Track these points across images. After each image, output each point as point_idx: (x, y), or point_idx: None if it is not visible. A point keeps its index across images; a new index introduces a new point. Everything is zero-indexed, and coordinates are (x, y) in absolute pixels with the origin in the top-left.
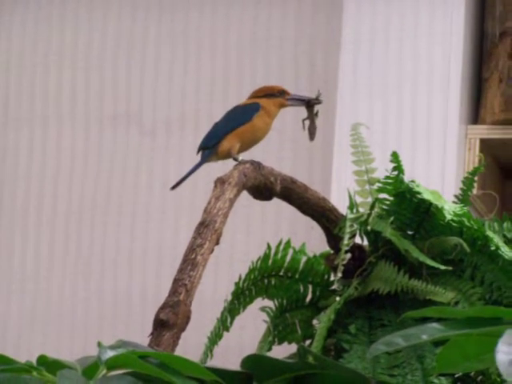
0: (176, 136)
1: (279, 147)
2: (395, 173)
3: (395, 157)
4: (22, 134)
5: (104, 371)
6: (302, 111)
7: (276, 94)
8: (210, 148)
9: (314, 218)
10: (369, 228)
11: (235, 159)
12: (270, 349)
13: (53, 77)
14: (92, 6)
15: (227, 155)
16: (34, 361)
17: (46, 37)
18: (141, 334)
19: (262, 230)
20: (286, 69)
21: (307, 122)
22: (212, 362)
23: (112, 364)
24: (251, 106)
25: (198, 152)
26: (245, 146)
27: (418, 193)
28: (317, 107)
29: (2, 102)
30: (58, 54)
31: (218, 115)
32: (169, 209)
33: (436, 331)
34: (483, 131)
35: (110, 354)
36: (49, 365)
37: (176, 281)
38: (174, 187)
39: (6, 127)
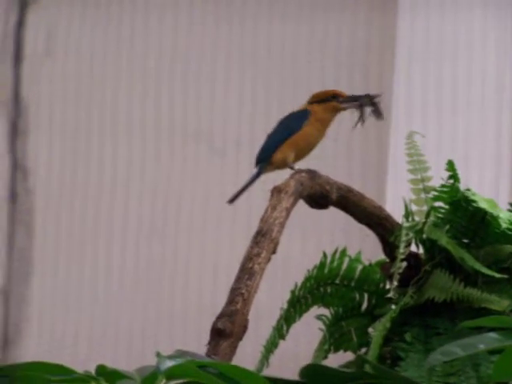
0: (244, 154)
1: (334, 156)
2: (451, 181)
3: (451, 165)
4: (92, 149)
5: (163, 381)
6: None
7: (328, 99)
8: (265, 160)
9: (369, 226)
10: (424, 236)
11: (291, 168)
12: (325, 357)
13: (122, 93)
14: (161, 29)
15: (282, 165)
16: (92, 371)
17: (115, 54)
18: (197, 343)
19: (317, 238)
20: (341, 78)
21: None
22: (267, 371)
23: (171, 374)
24: (300, 114)
25: (256, 165)
26: (299, 154)
27: (474, 201)
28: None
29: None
30: (129, 70)
31: None
32: (225, 218)
33: (493, 340)
34: None
35: (169, 363)
36: (107, 375)
37: (233, 290)
38: (231, 201)
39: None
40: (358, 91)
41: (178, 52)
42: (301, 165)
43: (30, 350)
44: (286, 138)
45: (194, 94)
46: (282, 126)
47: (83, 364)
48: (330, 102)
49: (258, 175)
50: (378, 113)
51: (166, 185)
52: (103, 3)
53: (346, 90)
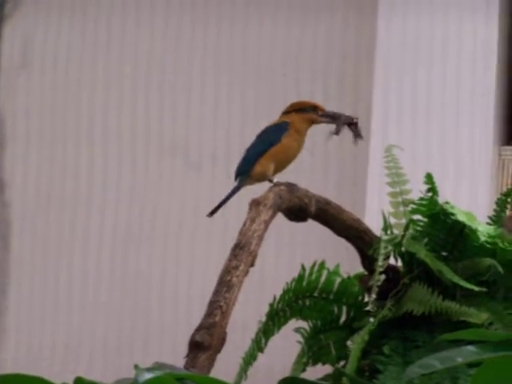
0: (220, 168)
1: (312, 169)
2: (429, 194)
3: (429, 178)
4: (68, 162)
5: None
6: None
7: (307, 109)
8: (245, 173)
9: (348, 239)
10: (403, 249)
11: (270, 181)
12: (304, 370)
13: (98, 105)
14: (137, 41)
15: (262, 178)
16: (69, 382)
17: (91, 66)
18: (173, 354)
19: (291, 250)
20: (317, 90)
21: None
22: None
23: None
24: (279, 126)
25: (236, 179)
26: (279, 167)
27: (452, 214)
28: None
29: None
30: (105, 82)
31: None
32: (201, 231)
33: (471, 354)
34: None
35: (147, 376)
36: None
37: (212, 303)
38: (211, 214)
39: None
40: (334, 99)
41: (154, 62)
42: (279, 178)
43: (7, 361)
44: (265, 151)
45: (169, 108)
46: (261, 139)
47: (59, 375)
48: (308, 113)
49: (237, 188)
50: (357, 134)
51: (141, 197)
52: (78, 16)
53: (322, 97)
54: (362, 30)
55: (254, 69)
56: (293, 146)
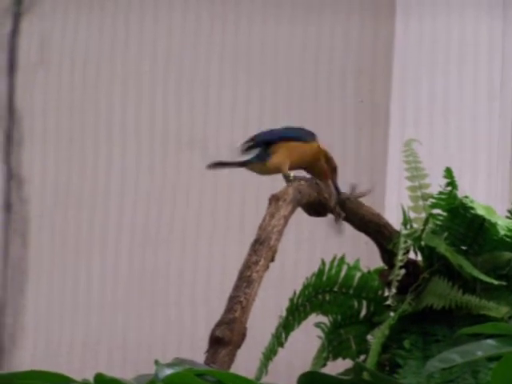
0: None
1: None
2: (449, 188)
3: (449, 172)
4: (87, 159)
5: None
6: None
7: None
8: (262, 151)
9: (368, 233)
10: (423, 243)
11: (287, 178)
12: (324, 364)
13: (116, 102)
14: (156, 37)
15: (276, 168)
16: (87, 379)
17: (109, 63)
18: (192, 351)
19: (312, 246)
20: (334, 90)
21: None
22: (265, 379)
23: (169, 382)
24: (313, 134)
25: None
26: (293, 164)
27: (472, 208)
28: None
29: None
30: (123, 77)
31: None
32: (219, 226)
33: (491, 348)
34: None
35: (168, 371)
36: (106, 383)
37: (232, 298)
38: (211, 167)
39: (71, 150)
40: (352, 99)
41: (172, 59)
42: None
43: (26, 359)
44: (289, 139)
45: (187, 102)
46: (293, 128)
47: (78, 372)
48: (324, 167)
49: (248, 160)
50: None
51: (159, 192)
52: (97, 11)
53: (340, 98)
54: (379, 31)
55: (272, 66)
56: (307, 153)
